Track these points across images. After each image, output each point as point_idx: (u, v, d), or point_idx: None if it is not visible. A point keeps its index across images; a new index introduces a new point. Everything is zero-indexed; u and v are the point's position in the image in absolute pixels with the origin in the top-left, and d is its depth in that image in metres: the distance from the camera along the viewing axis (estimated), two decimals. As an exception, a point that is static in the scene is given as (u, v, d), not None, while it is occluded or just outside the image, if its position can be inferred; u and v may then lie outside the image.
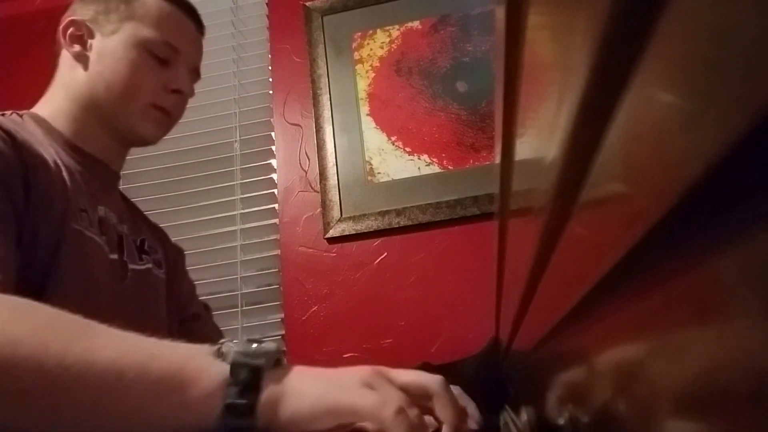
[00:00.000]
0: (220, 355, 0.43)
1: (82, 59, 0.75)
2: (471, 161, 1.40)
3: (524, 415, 0.38)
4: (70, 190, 0.64)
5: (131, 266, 0.73)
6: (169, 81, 0.77)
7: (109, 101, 0.73)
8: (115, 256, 0.70)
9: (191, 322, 0.88)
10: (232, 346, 0.43)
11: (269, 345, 0.44)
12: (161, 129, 0.79)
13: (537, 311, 0.37)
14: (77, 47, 0.75)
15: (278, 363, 0.44)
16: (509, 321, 0.53)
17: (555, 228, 0.24)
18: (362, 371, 0.43)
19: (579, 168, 0.18)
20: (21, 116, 0.69)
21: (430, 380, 0.44)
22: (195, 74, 0.83)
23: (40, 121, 0.71)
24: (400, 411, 0.39)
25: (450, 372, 1.17)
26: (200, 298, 0.98)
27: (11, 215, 0.55)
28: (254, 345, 0.44)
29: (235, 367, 0.41)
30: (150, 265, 0.78)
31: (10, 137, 0.58)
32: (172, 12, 0.78)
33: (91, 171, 0.73)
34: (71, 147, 0.72)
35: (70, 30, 0.76)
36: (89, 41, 0.75)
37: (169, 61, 0.77)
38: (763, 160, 0.09)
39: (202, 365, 0.42)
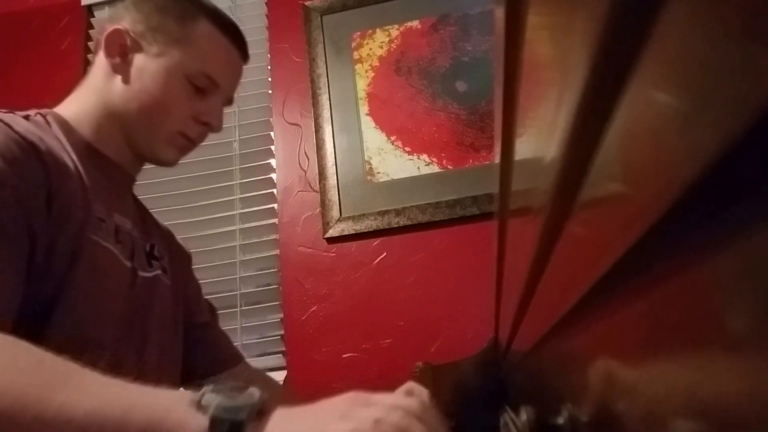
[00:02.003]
0: (200, 407, 0.43)
1: (120, 71, 0.73)
2: (470, 161, 1.41)
3: (524, 415, 0.38)
4: (90, 200, 0.64)
5: (140, 273, 0.73)
6: (201, 113, 0.76)
7: (139, 121, 0.73)
8: (129, 264, 0.70)
9: (199, 330, 0.88)
10: (213, 398, 0.42)
11: (250, 396, 0.44)
12: (182, 155, 0.79)
13: (536, 311, 0.37)
14: (117, 59, 0.73)
15: (261, 414, 0.44)
16: (509, 321, 0.53)
17: (554, 228, 0.24)
18: (339, 402, 0.45)
19: (578, 168, 0.18)
20: (45, 117, 0.68)
21: (409, 403, 0.46)
22: (229, 103, 0.82)
23: (62, 123, 0.70)
24: (378, 421, 0.42)
25: (449, 372, 1.17)
26: (200, 298, 0.97)
27: (25, 235, 0.54)
28: (235, 397, 0.44)
29: (215, 422, 0.41)
30: (158, 272, 0.78)
31: (34, 149, 0.58)
32: (222, 44, 0.76)
33: (109, 176, 0.73)
34: (91, 150, 0.71)
35: (114, 40, 0.73)
36: (131, 55, 0.73)
37: (207, 92, 0.76)
38: (761, 159, 0.09)
39: (181, 418, 0.42)
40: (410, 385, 0.61)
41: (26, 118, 0.65)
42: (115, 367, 0.63)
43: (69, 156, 0.65)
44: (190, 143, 0.78)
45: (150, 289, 0.75)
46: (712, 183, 0.10)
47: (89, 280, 0.61)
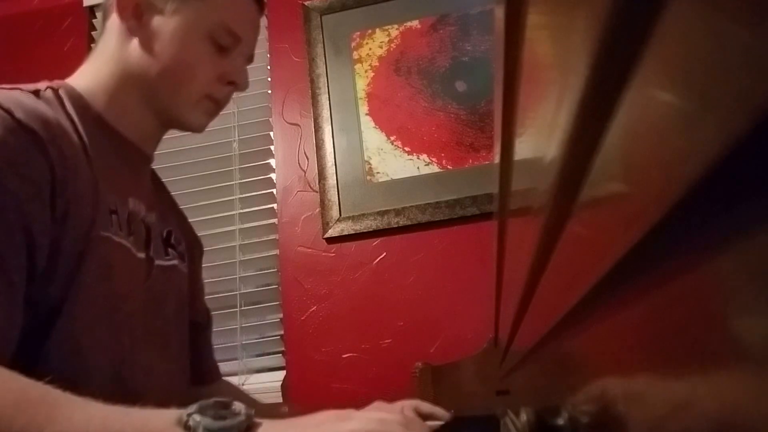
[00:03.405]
0: (187, 428, 0.43)
1: (136, 34, 0.68)
2: (470, 161, 1.41)
3: (524, 416, 0.38)
4: (101, 191, 0.60)
5: (157, 262, 0.70)
6: (226, 72, 0.72)
7: (162, 87, 0.68)
8: (142, 255, 0.67)
9: (192, 332, 0.83)
10: (199, 420, 0.43)
11: (237, 414, 0.45)
12: (210, 119, 0.75)
13: (536, 311, 0.37)
14: (132, 21, 0.68)
15: (247, 431, 0.45)
16: (508, 321, 0.53)
17: (554, 228, 0.24)
18: (321, 416, 0.47)
19: (579, 168, 0.18)
20: (56, 91, 0.64)
21: (390, 416, 0.48)
22: (250, 60, 0.78)
23: (76, 98, 0.65)
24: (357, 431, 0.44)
25: (448, 373, 1.17)
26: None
27: (23, 245, 0.51)
28: (222, 416, 0.44)
29: None
30: (175, 261, 0.75)
31: (36, 140, 0.53)
32: None
33: (123, 156, 0.69)
34: (105, 128, 0.67)
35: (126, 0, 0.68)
36: (146, 16, 0.68)
37: (229, 49, 0.71)
38: (764, 160, 0.09)
39: None
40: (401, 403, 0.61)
41: (36, 93, 0.61)
42: (132, 369, 0.61)
43: (81, 138, 0.60)
44: (217, 106, 0.74)
45: (166, 279, 0.72)
46: (716, 183, 0.10)
47: (99, 281, 0.58)
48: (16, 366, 0.46)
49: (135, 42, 0.68)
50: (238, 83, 0.74)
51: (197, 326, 0.85)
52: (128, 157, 0.70)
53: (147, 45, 0.68)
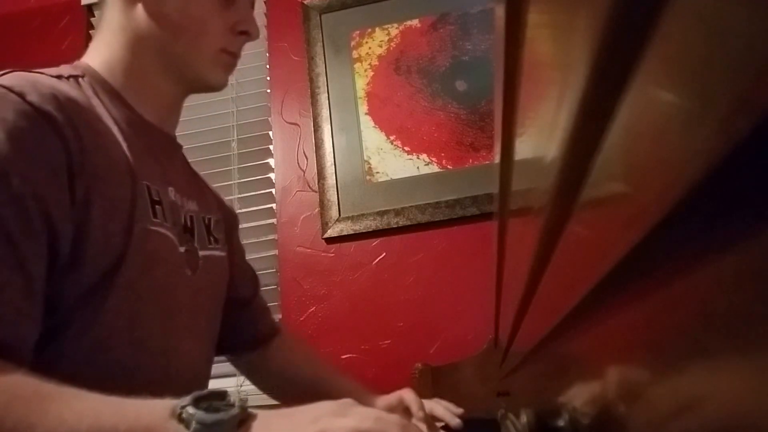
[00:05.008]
0: (181, 420, 0.43)
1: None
2: (470, 161, 1.40)
3: (524, 417, 0.38)
4: (140, 179, 0.59)
5: (201, 253, 0.70)
6: (236, 22, 0.70)
7: (176, 47, 0.67)
8: (183, 249, 0.66)
9: (239, 306, 0.85)
10: (193, 413, 0.42)
11: (231, 407, 0.44)
12: (228, 74, 0.73)
13: (537, 312, 0.37)
14: None
15: (242, 423, 0.44)
16: (509, 322, 0.53)
17: (555, 228, 0.23)
18: (318, 408, 0.46)
19: (579, 168, 0.18)
20: (81, 78, 0.62)
21: (389, 415, 0.47)
22: (252, 6, 0.76)
23: (100, 82, 0.64)
24: (352, 429, 0.43)
25: (448, 374, 1.17)
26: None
27: (43, 235, 0.49)
28: (216, 409, 0.44)
29: None
30: (218, 252, 0.75)
31: (50, 121, 0.51)
32: None
33: (158, 145, 0.68)
34: (135, 119, 0.66)
35: None
36: None
37: None
38: (765, 160, 0.08)
39: None
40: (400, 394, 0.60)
41: (58, 77, 0.60)
42: (175, 360, 0.61)
43: (117, 124, 0.60)
44: (233, 59, 0.72)
45: (212, 270, 0.72)
46: (717, 183, 0.10)
47: (142, 276, 0.57)
48: (39, 360, 0.46)
49: (140, 7, 0.66)
50: (249, 32, 0.72)
51: (242, 301, 0.87)
52: (163, 147, 0.69)
53: (152, 8, 0.66)
